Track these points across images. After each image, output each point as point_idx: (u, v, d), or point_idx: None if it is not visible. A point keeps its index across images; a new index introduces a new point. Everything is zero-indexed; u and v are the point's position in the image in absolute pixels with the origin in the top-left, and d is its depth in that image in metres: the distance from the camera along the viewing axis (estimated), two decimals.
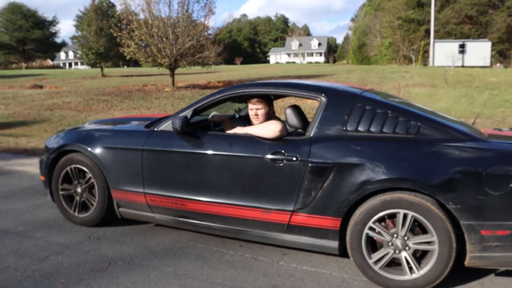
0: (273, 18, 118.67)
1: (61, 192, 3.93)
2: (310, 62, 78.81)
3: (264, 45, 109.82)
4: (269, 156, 3.06)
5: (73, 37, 40.01)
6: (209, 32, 20.62)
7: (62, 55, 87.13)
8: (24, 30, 60.69)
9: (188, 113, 3.45)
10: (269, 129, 3.15)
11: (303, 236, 3.09)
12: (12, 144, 8.11)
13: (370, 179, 2.79)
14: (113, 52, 29.71)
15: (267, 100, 3.51)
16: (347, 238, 2.91)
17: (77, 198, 3.87)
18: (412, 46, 46.10)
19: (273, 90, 3.46)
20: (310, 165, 2.95)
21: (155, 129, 3.59)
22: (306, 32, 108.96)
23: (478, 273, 2.97)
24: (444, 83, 18.05)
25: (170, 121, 3.44)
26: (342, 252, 3.01)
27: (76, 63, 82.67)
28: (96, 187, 3.74)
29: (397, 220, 2.77)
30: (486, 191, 2.61)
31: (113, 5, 43.48)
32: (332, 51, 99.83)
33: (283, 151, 3.04)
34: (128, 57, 20.08)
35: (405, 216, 2.73)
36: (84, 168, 3.77)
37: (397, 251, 2.79)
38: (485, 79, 19.65)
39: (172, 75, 19.81)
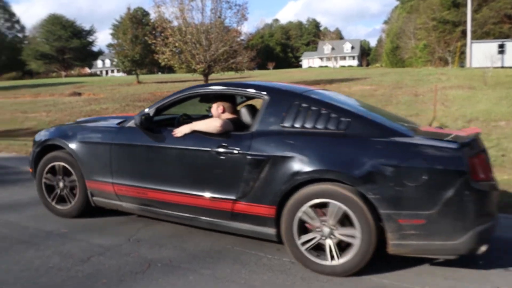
0: (304, 22, 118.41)
1: (45, 188, 4.31)
2: (343, 66, 78.06)
3: (296, 50, 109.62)
4: (215, 149, 3.35)
5: (109, 45, 41.16)
6: (242, 37, 20.76)
7: (99, 63, 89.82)
8: (63, 40, 62.92)
9: (151, 111, 3.79)
10: (211, 125, 3.42)
11: (246, 224, 3.33)
12: None
13: (300, 170, 3.02)
14: (148, 59, 30.38)
15: (225, 101, 3.82)
16: (282, 225, 3.13)
17: (58, 190, 4.26)
18: (448, 47, 44.92)
19: (224, 89, 3.73)
20: (248, 157, 3.22)
21: (123, 125, 3.95)
22: (338, 36, 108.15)
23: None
24: (483, 84, 17.47)
25: None
26: (281, 239, 3.19)
27: (112, 71, 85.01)
28: (76, 179, 4.12)
29: (325, 208, 2.98)
30: (403, 183, 2.79)
31: (147, 13, 44.42)
32: (366, 54, 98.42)
33: (227, 145, 3.31)
34: (162, 64, 20.46)
35: (330, 205, 2.95)
36: (65, 164, 4.17)
37: (323, 238, 3.01)
38: None
39: (206, 80, 20.04)
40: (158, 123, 3.97)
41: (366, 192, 2.86)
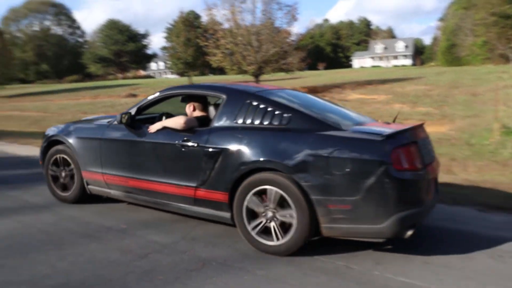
0: (355, 21, 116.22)
1: (51, 177, 4.96)
2: (396, 66, 75.93)
3: (346, 49, 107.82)
4: (179, 143, 3.80)
5: (163, 48, 42.38)
6: (292, 38, 20.69)
7: (153, 65, 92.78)
8: (120, 44, 65.71)
9: (132, 110, 4.31)
10: (176, 122, 3.88)
11: (207, 208, 3.78)
12: None
13: (245, 161, 3.43)
14: (200, 61, 30.96)
15: (196, 101, 4.27)
16: (234, 209, 3.53)
17: (61, 179, 4.89)
18: (510, 43, 42.50)
19: (190, 91, 4.27)
20: (205, 150, 3.66)
21: (111, 123, 4.49)
22: (390, 34, 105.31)
23: None
24: None
25: None
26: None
27: (165, 72, 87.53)
28: (74, 169, 4.74)
29: (267, 194, 3.34)
30: (331, 171, 3.11)
31: (199, 16, 45.28)
32: (419, 53, 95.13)
33: (189, 139, 3.76)
34: (214, 66, 20.80)
35: (271, 191, 3.31)
36: (65, 156, 4.80)
37: (268, 221, 3.38)
38: None
39: (257, 81, 20.17)
40: (146, 120, 4.56)
41: (299, 180, 3.19)
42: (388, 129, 3.32)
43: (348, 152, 3.10)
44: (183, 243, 3.67)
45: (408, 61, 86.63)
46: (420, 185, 3.19)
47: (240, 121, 3.64)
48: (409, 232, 3.12)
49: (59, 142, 4.87)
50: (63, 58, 70.55)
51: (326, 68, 73.56)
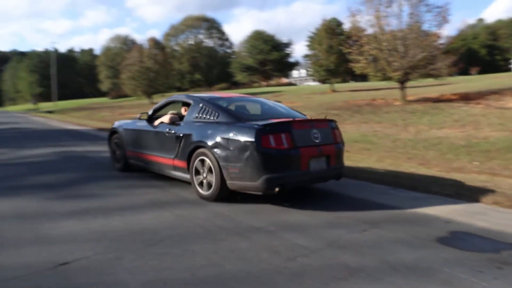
0: None
1: (112, 154, 7.83)
2: None
3: (505, 51, 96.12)
4: (165, 131, 6.13)
5: (305, 56, 42.98)
6: (441, 41, 19.18)
7: (294, 73, 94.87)
8: (264, 53, 68.86)
9: (149, 111, 6.82)
10: (166, 118, 6.32)
11: (180, 173, 5.90)
12: None
13: (192, 141, 5.54)
14: (343, 68, 30.68)
15: (186, 106, 6.59)
16: (190, 172, 5.58)
17: (116, 156, 7.68)
18: None
19: (180, 99, 6.54)
20: (177, 135, 5.87)
21: (139, 119, 6.96)
22: None
23: None
24: None
25: None
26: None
27: (307, 80, 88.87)
28: (122, 149, 7.41)
29: (204, 162, 5.34)
30: (229, 147, 4.99)
31: (341, 23, 45.00)
32: None
33: (170, 129, 6.05)
34: (358, 72, 20.40)
35: (205, 161, 5.31)
36: (118, 141, 7.57)
37: (203, 178, 5.38)
38: None
39: (402, 88, 19.19)
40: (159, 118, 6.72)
41: (214, 153, 5.13)
42: (270, 122, 5.03)
43: (238, 135, 4.92)
44: (330, 250, 3.66)
45: None
46: (285, 159, 4.78)
47: (196, 117, 5.77)
48: (276, 189, 4.76)
49: (116, 132, 7.56)
50: (213, 68, 76.66)
51: (480, 72, 66.57)
